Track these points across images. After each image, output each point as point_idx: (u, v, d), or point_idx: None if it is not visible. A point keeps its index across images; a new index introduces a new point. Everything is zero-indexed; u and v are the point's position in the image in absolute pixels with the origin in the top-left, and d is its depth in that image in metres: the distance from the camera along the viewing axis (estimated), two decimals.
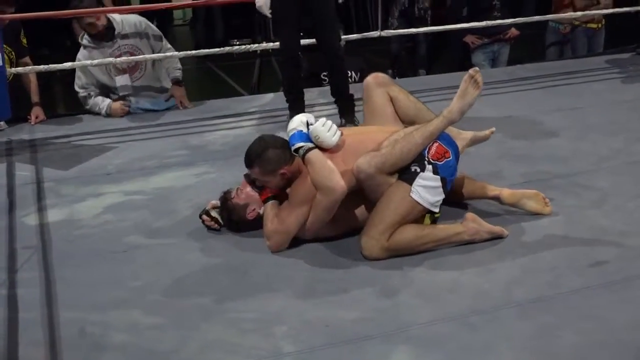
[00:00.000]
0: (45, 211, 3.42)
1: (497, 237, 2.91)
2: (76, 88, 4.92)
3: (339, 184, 2.79)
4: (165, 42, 4.98)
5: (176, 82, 4.98)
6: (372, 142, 2.85)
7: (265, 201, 2.98)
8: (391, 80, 3.29)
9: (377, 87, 3.21)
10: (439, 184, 2.83)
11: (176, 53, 5.03)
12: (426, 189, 2.81)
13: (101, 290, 2.69)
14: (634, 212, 3.13)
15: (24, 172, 3.96)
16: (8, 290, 2.71)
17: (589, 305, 2.45)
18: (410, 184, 2.80)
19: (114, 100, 4.88)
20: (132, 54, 4.85)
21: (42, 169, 3.99)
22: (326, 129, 2.89)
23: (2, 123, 4.65)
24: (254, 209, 3.03)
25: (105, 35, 4.74)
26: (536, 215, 3.08)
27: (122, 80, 4.89)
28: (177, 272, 2.81)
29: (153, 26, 4.99)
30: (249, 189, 3.04)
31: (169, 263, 2.89)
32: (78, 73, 4.88)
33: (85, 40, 4.81)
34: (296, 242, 2.93)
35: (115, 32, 4.76)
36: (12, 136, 4.57)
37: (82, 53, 4.83)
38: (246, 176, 3.06)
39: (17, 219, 3.34)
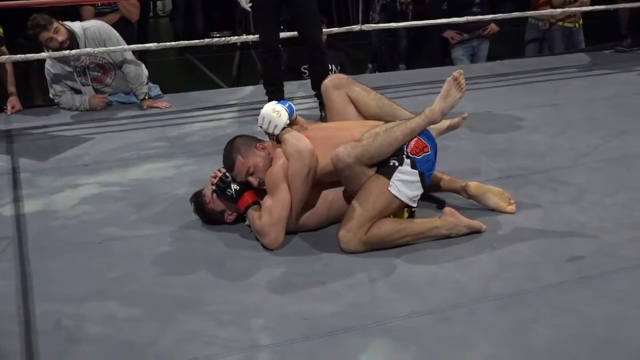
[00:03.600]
0: (22, 202, 3.39)
1: (475, 232, 2.92)
2: (51, 96, 4.90)
3: (307, 146, 2.84)
4: (122, 45, 4.81)
5: (143, 98, 4.90)
6: (351, 136, 2.85)
7: (245, 209, 2.95)
8: (350, 81, 3.26)
9: (335, 89, 3.20)
10: (417, 178, 2.83)
11: (153, 45, 5.00)
12: (404, 183, 2.81)
13: (77, 282, 2.67)
14: (610, 208, 3.16)
15: None
16: None
17: (566, 299, 2.47)
18: (389, 178, 2.80)
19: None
20: (98, 64, 4.80)
21: (18, 160, 3.96)
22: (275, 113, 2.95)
23: None
24: (231, 213, 3.05)
25: (68, 49, 4.61)
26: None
27: (88, 91, 4.84)
28: (153, 264, 2.79)
29: (112, 33, 4.81)
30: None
31: (146, 255, 2.86)
32: (50, 83, 4.84)
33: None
34: None
35: (79, 45, 4.66)
36: None
37: (48, 63, 4.78)
38: (217, 194, 3.01)
39: None
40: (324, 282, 2.62)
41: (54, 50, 4.61)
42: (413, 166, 2.82)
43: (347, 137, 2.86)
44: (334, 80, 3.24)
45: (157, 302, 2.53)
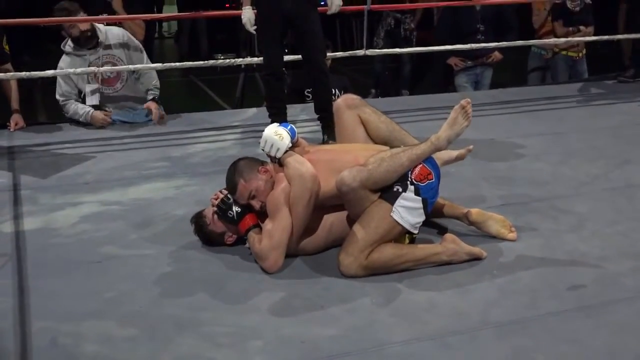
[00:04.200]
0: (21, 219, 3.38)
1: (476, 259, 2.91)
2: (57, 96, 4.90)
3: (309, 170, 2.84)
4: (145, 57, 4.99)
5: (153, 99, 4.98)
6: (355, 160, 2.85)
7: (246, 232, 2.94)
8: (363, 102, 3.28)
9: (347, 109, 3.21)
10: (420, 205, 2.82)
11: (159, 65, 5.02)
12: (407, 209, 2.80)
13: (75, 301, 2.65)
14: (612, 237, 3.15)
15: (1, 178, 3.92)
16: None
17: (565, 328, 2.45)
18: (392, 203, 2.79)
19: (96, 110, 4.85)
20: (114, 65, 4.84)
21: (19, 177, 3.96)
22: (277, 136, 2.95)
23: None
24: (232, 235, 3.04)
25: (88, 42, 4.74)
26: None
27: (91, 87, 4.85)
28: (152, 284, 2.78)
29: (135, 40, 4.98)
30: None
31: (144, 274, 2.85)
32: (59, 80, 4.85)
33: (68, 47, 4.80)
34: None
35: (99, 41, 4.77)
36: None
37: (63, 60, 4.82)
38: (219, 216, 3.01)
39: None
40: (323, 306, 2.61)
41: (74, 38, 4.71)
42: (417, 193, 2.81)
43: (350, 160, 2.86)
44: (347, 100, 3.25)
45: (154, 322, 2.51)
